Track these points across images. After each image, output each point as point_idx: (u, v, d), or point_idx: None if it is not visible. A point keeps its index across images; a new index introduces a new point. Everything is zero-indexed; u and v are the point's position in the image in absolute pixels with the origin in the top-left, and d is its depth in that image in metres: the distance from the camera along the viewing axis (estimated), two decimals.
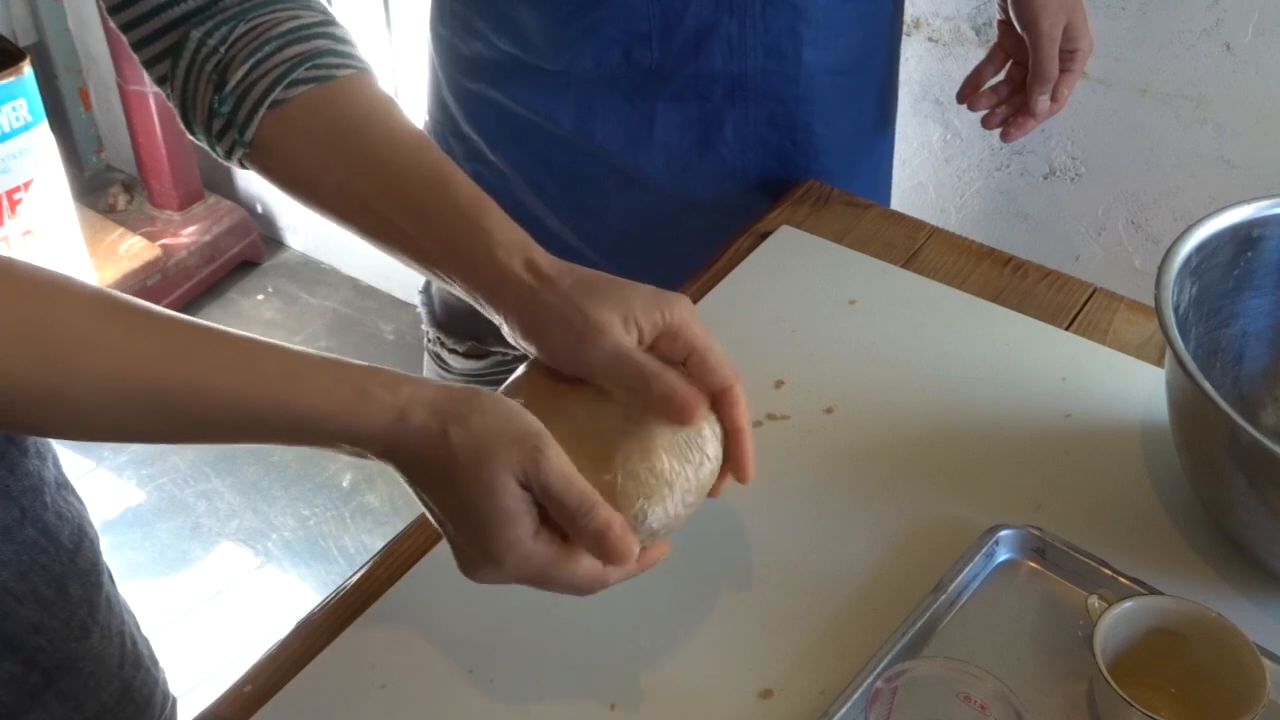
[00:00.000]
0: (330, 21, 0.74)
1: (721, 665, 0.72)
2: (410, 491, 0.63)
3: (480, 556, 0.60)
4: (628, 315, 0.65)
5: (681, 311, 0.67)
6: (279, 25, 0.71)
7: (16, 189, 2.15)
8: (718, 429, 0.68)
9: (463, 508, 0.59)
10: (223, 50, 0.70)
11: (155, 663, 0.88)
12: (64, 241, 2.27)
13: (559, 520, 0.60)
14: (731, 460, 0.69)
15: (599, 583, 0.62)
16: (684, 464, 0.65)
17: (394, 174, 0.70)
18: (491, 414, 0.59)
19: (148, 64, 0.73)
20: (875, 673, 0.68)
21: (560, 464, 0.59)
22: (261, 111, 0.70)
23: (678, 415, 0.64)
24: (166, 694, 0.89)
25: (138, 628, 0.87)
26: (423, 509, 0.63)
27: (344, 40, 0.74)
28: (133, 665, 0.84)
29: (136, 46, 0.72)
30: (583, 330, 0.64)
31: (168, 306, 2.24)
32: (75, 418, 0.57)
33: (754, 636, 0.74)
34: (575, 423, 0.65)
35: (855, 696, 0.68)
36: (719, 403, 0.68)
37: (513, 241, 0.68)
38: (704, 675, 0.72)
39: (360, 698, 0.71)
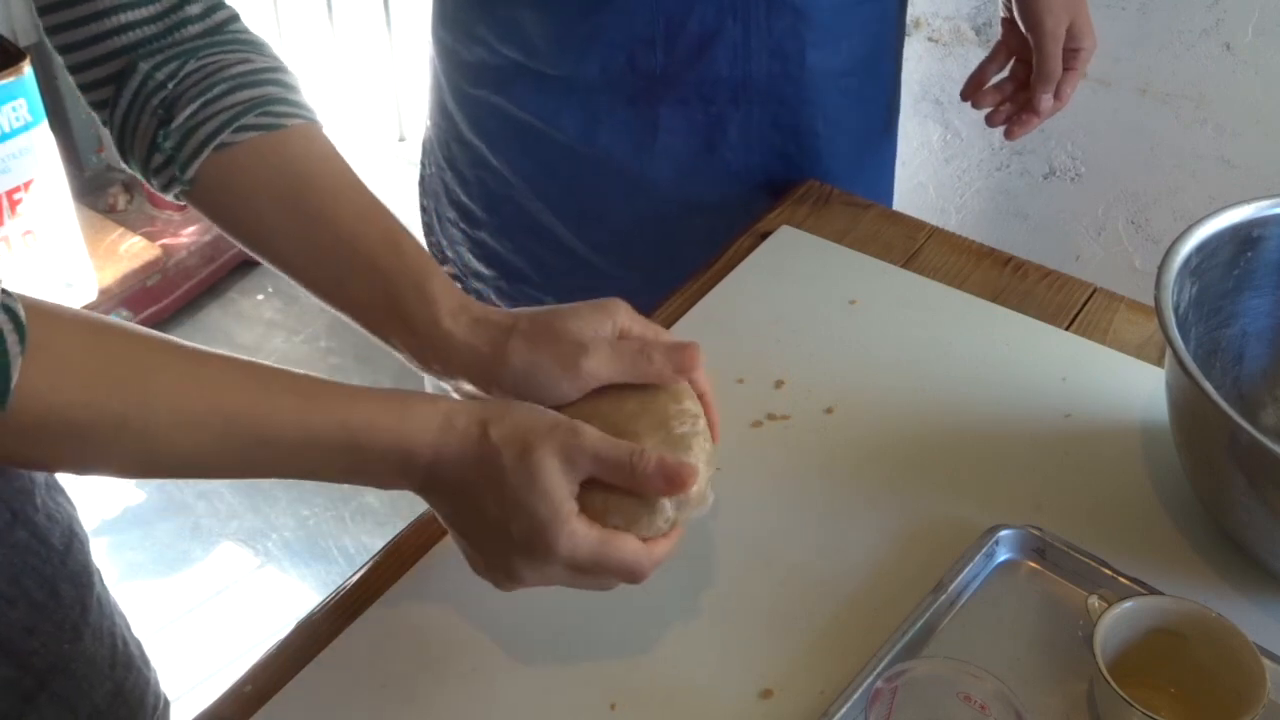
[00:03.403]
0: (280, 68, 0.74)
1: (721, 665, 0.72)
2: (443, 516, 0.66)
3: (530, 552, 0.63)
4: (588, 329, 0.69)
5: (624, 313, 0.71)
6: (230, 67, 0.71)
7: (16, 189, 2.15)
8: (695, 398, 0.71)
9: (513, 502, 0.62)
10: (170, 86, 0.70)
11: (146, 663, 0.88)
12: (64, 241, 2.27)
13: (616, 478, 0.63)
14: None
15: (645, 558, 0.65)
16: (695, 435, 0.69)
17: (346, 234, 0.71)
18: (524, 410, 0.65)
19: (85, 87, 0.72)
20: (875, 673, 0.68)
21: (595, 432, 0.63)
22: (206, 152, 0.70)
23: (689, 366, 0.69)
24: (159, 694, 0.89)
25: (128, 628, 0.87)
26: (450, 530, 0.66)
27: (293, 89, 0.74)
28: (124, 666, 0.84)
29: (75, 69, 0.72)
30: (569, 354, 0.68)
31: (168, 306, 2.24)
32: (145, 449, 0.59)
33: (754, 636, 0.74)
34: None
35: (855, 696, 0.68)
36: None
37: (457, 309, 0.70)
38: (704, 675, 0.72)
39: (360, 698, 0.71)
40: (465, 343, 0.69)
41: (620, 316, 0.71)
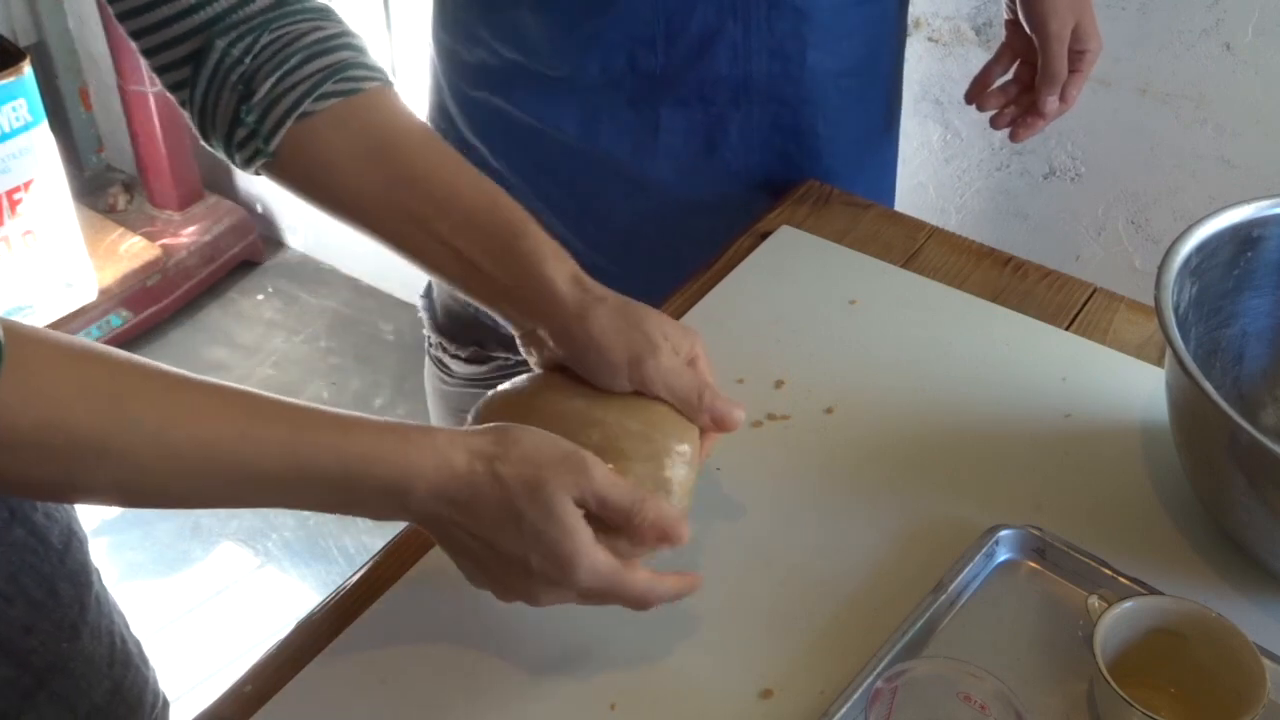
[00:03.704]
0: (349, 33, 0.75)
1: (721, 665, 0.72)
2: (441, 542, 0.66)
3: (551, 580, 0.64)
4: (667, 337, 0.71)
5: (699, 343, 0.74)
6: (303, 36, 0.72)
7: (16, 189, 2.15)
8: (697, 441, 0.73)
9: (533, 535, 0.62)
10: (248, 60, 0.71)
11: (145, 661, 0.88)
12: (64, 241, 2.26)
13: (616, 522, 0.64)
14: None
15: (651, 593, 0.67)
16: (676, 480, 0.71)
17: (439, 187, 0.72)
18: (528, 443, 0.63)
19: (162, 69, 0.73)
20: (875, 673, 0.68)
21: (604, 472, 0.64)
22: (289, 123, 0.71)
23: (722, 426, 0.72)
24: (157, 692, 0.89)
25: (127, 627, 0.87)
26: (450, 555, 0.66)
27: (364, 52, 0.75)
28: (122, 664, 0.84)
29: (150, 52, 0.72)
30: (642, 348, 0.70)
31: (168, 307, 2.24)
32: (128, 475, 0.58)
33: (754, 636, 0.74)
34: (591, 428, 0.70)
35: (855, 696, 0.68)
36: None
37: (560, 257, 0.72)
38: (704, 675, 0.72)
39: (360, 698, 0.71)
40: (559, 293, 0.70)
41: (699, 346, 0.73)
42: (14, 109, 2.10)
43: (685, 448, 0.70)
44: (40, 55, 2.53)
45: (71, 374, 0.56)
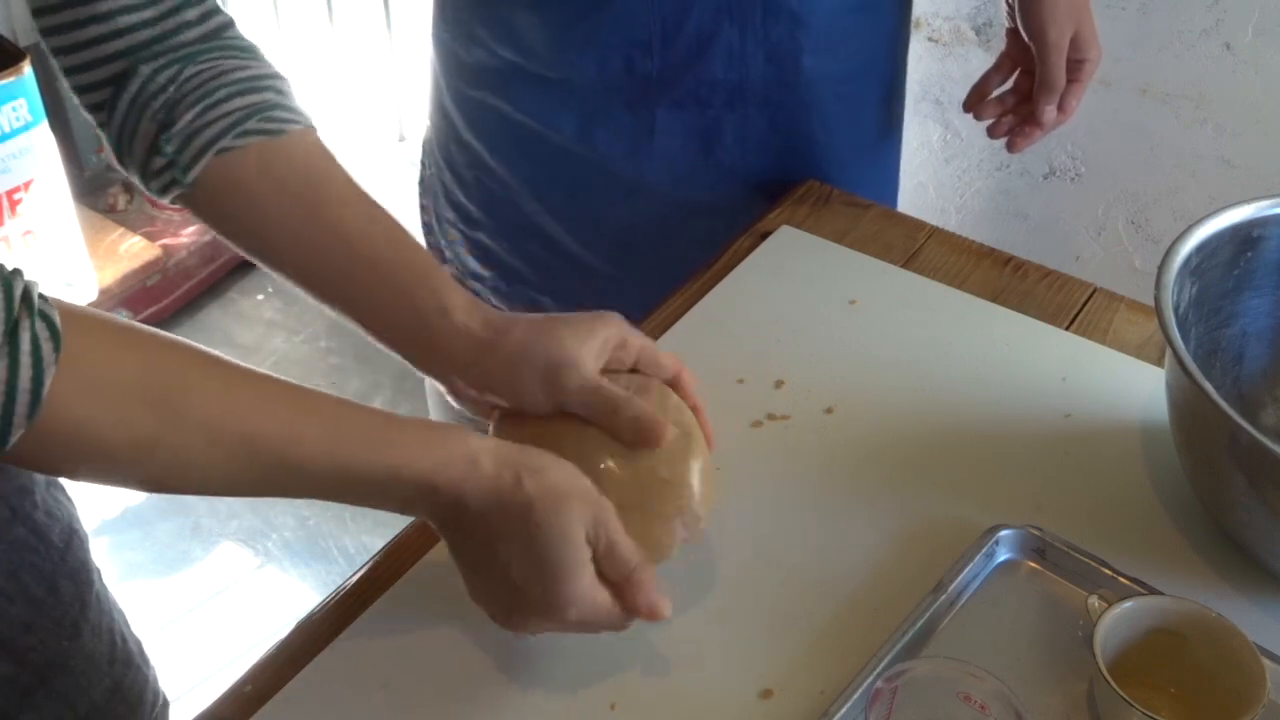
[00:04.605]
0: (276, 75, 0.75)
1: (721, 665, 0.72)
2: (454, 549, 0.66)
3: (543, 603, 0.64)
4: (584, 342, 0.71)
5: (620, 326, 0.73)
6: (230, 73, 0.72)
7: (16, 189, 2.15)
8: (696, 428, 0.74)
9: (538, 554, 0.63)
10: (171, 89, 0.70)
11: (145, 660, 0.88)
12: (64, 241, 2.26)
13: (614, 577, 0.65)
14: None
15: (628, 625, 0.68)
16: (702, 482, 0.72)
17: (353, 234, 0.72)
18: (560, 470, 0.65)
19: (82, 90, 0.72)
20: (875, 673, 0.68)
21: (620, 526, 0.65)
22: (208, 157, 0.70)
23: (647, 439, 0.70)
24: (157, 691, 0.89)
25: (127, 625, 0.87)
26: (458, 563, 0.67)
27: (290, 95, 0.75)
28: (123, 663, 0.84)
29: (72, 71, 0.71)
30: (551, 367, 0.70)
31: (168, 306, 2.23)
32: (170, 464, 0.59)
33: (754, 636, 0.74)
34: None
35: (855, 696, 0.68)
36: (677, 386, 0.74)
37: (467, 302, 0.72)
38: (704, 675, 0.72)
39: (360, 698, 0.71)
40: (473, 334, 0.71)
41: (616, 329, 0.73)
42: (14, 109, 2.10)
43: (680, 482, 0.71)
44: (40, 55, 2.52)
45: (128, 366, 0.56)
